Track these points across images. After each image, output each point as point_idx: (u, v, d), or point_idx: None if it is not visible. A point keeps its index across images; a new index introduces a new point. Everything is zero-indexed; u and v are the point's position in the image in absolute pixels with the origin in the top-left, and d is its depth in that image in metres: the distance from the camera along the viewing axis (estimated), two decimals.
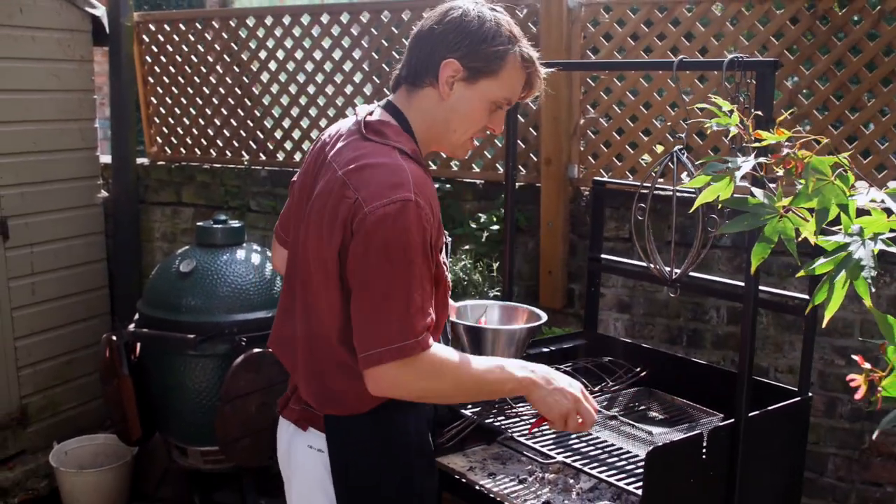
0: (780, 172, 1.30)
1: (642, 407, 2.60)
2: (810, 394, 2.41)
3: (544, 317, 2.40)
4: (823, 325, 1.51)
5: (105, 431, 4.38)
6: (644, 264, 2.91)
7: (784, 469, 2.41)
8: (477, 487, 2.40)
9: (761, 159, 1.49)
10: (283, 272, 2.19)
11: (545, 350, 2.83)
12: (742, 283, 2.52)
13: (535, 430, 1.89)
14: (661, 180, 2.68)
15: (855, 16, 3.27)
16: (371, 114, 1.91)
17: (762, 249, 1.43)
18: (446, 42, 1.82)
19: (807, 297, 2.39)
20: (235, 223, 3.81)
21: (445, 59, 1.82)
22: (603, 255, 3.03)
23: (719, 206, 1.51)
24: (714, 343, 3.60)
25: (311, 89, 4.45)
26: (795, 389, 2.43)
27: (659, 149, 3.71)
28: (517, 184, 3.90)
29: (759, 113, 1.72)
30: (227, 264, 3.65)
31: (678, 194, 2.28)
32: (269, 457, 3.47)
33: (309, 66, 4.43)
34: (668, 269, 2.31)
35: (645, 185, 2.24)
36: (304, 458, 1.94)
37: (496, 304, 2.64)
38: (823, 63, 3.30)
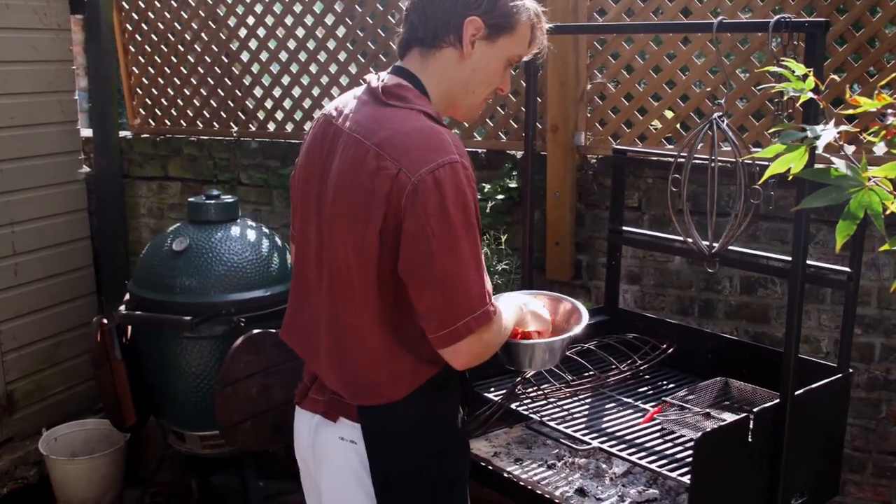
0: (882, 144, 1.18)
1: (726, 401, 2.43)
2: (850, 370, 2.32)
3: (586, 317, 2.07)
4: None
5: (95, 415, 4.24)
6: (668, 236, 2.81)
7: (826, 445, 2.33)
8: (505, 475, 2.30)
9: (843, 127, 1.37)
10: None
11: None
12: (782, 257, 2.42)
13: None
14: (670, 147, 2.55)
15: None
16: (383, 80, 1.79)
17: (847, 227, 1.31)
18: (465, 0, 1.75)
19: (846, 269, 2.29)
20: (229, 198, 3.64)
21: (468, 17, 1.75)
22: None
23: (790, 177, 1.39)
24: (727, 313, 3.51)
25: (302, 56, 4.27)
26: (835, 365, 2.33)
27: (668, 114, 3.59)
28: (519, 153, 3.77)
29: (835, 77, 1.60)
30: (222, 241, 3.49)
31: (693, 162, 2.14)
32: (269, 440, 3.35)
33: (300, 32, 4.25)
34: (705, 243, 2.19)
35: (682, 154, 2.11)
36: (334, 449, 1.84)
37: (537, 294, 2.21)
38: (841, 24, 3.18)
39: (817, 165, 1.33)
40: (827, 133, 1.33)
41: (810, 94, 1.40)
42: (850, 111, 1.28)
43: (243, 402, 3.26)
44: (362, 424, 1.80)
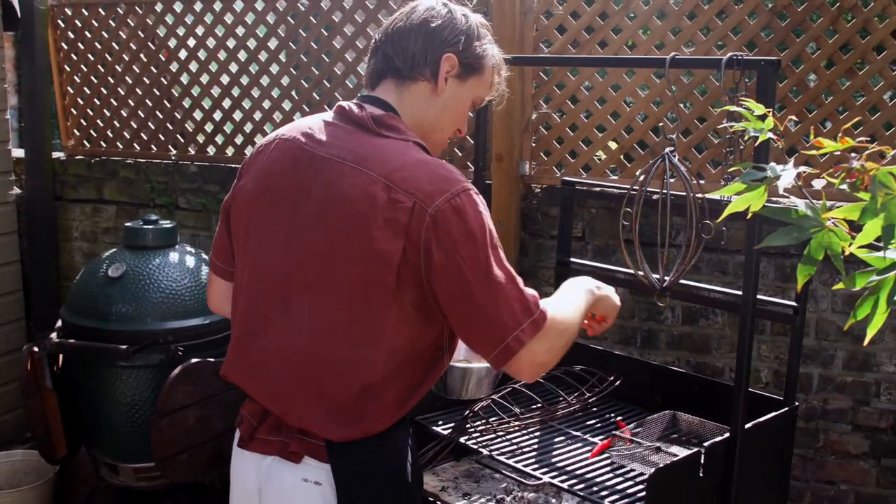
0: (844, 186, 1.18)
1: (675, 434, 2.43)
2: (797, 403, 2.34)
3: None
4: (865, 343, 1.42)
5: (23, 446, 4.08)
6: (615, 268, 2.81)
7: (773, 477, 2.35)
8: None
9: (802, 169, 1.38)
10: (221, 310, 2.01)
11: None
12: (728, 290, 2.44)
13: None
14: (615, 177, 2.54)
15: (813, 13, 3.22)
16: (363, 108, 1.77)
17: (808, 269, 1.32)
18: (443, 37, 1.78)
19: (793, 303, 2.32)
20: (167, 223, 3.56)
21: (445, 53, 1.77)
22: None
23: (748, 215, 1.40)
24: (669, 343, 3.53)
25: (244, 80, 4.21)
26: (780, 398, 2.35)
27: (613, 145, 3.62)
28: None
29: (793, 118, 1.61)
30: (160, 268, 3.40)
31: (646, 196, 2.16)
32: (206, 471, 3.26)
33: (242, 55, 4.19)
34: (656, 276, 2.19)
35: (634, 189, 2.12)
36: (293, 491, 1.76)
37: None
38: (783, 59, 3.24)
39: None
40: (787, 174, 1.34)
41: (769, 135, 1.41)
42: (812, 152, 1.29)
43: (180, 433, 3.17)
44: (332, 464, 1.73)
